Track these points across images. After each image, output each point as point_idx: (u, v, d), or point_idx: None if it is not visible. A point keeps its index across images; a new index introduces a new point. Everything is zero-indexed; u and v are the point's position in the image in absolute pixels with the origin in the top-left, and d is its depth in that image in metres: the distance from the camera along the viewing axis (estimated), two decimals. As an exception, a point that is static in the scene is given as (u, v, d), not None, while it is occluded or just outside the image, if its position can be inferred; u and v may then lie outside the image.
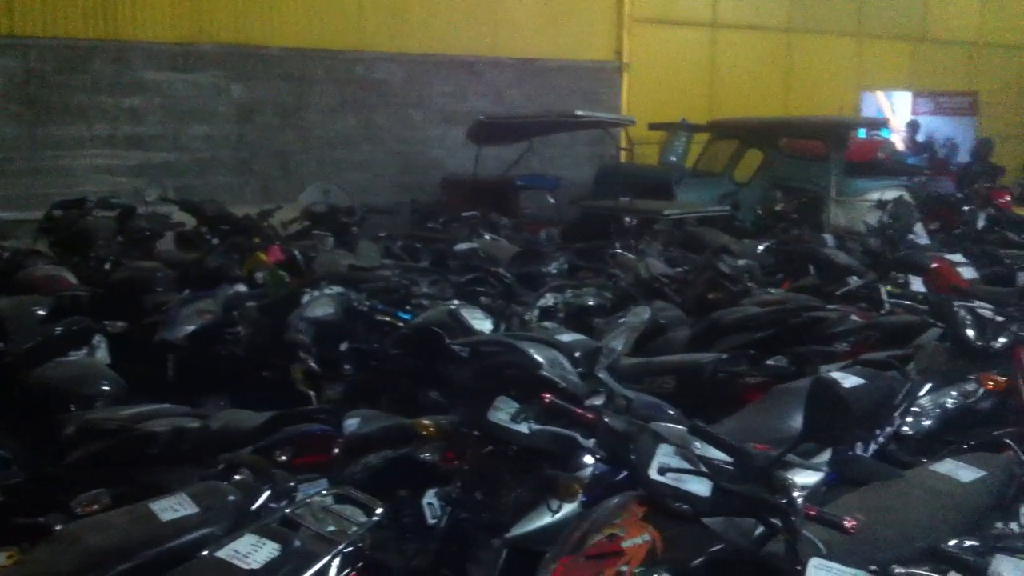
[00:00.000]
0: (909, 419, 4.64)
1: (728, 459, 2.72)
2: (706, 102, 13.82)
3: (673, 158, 12.53)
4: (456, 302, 5.04)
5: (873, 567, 2.27)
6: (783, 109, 14.11)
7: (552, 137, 12.49)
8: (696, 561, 2.77)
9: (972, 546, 2.29)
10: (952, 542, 2.40)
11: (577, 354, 3.37)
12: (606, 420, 2.92)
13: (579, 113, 10.44)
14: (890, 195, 9.93)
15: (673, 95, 13.44)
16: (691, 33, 13.92)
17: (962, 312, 4.90)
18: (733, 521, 2.82)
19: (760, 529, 2.70)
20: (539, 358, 3.24)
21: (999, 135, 15.30)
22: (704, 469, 2.72)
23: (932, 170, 13.59)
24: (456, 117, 12.19)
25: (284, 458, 3.42)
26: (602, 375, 3.27)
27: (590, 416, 2.99)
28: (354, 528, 2.67)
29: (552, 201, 11.81)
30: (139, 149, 10.72)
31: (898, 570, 2.24)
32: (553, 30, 12.91)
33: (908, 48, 16.07)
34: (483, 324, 4.55)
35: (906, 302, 6.26)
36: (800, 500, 2.52)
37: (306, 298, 5.17)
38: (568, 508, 3.28)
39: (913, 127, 15.00)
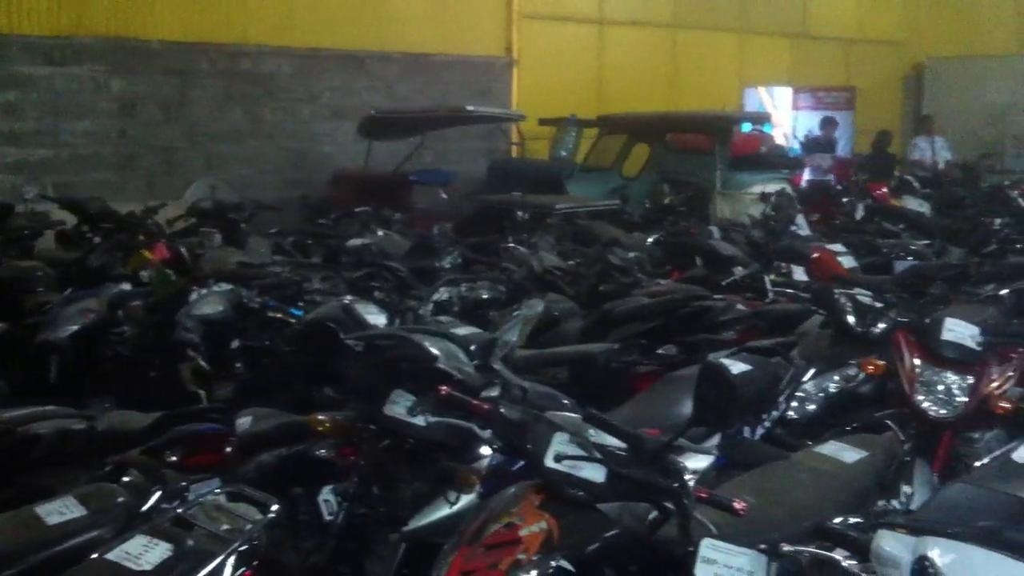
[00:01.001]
0: (795, 404, 4.79)
1: (622, 445, 2.77)
2: (595, 97, 13.99)
3: (563, 153, 12.64)
4: (349, 297, 5.01)
5: (763, 546, 2.33)
6: (670, 104, 14.37)
7: (444, 132, 12.48)
8: (592, 546, 2.81)
9: (856, 523, 2.38)
10: (837, 520, 2.49)
11: (472, 346, 3.38)
12: (502, 410, 2.94)
13: (469, 108, 10.47)
14: (772, 188, 10.20)
15: (563, 90, 13.56)
16: (579, 29, 14.08)
17: (843, 299, 5.07)
18: (628, 506, 2.87)
19: (654, 513, 2.75)
20: (434, 350, 3.24)
21: (876, 130, 15.87)
22: (599, 456, 2.76)
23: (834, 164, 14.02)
24: (346, 112, 12.08)
25: (175, 458, 3.34)
26: (497, 366, 3.29)
27: (486, 407, 3.01)
28: (249, 526, 2.62)
29: (445, 196, 11.80)
30: (15, 146, 10.35)
31: (786, 548, 2.31)
32: (442, 25, 12.91)
33: (788, 44, 16.55)
34: (377, 319, 4.53)
35: (789, 291, 6.46)
36: (691, 483, 2.59)
37: (194, 296, 5.06)
38: (466, 499, 3.30)
39: (829, 123, 15.36)
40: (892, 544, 2.16)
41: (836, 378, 4.90)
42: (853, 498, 3.22)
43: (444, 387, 3.06)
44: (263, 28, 11.74)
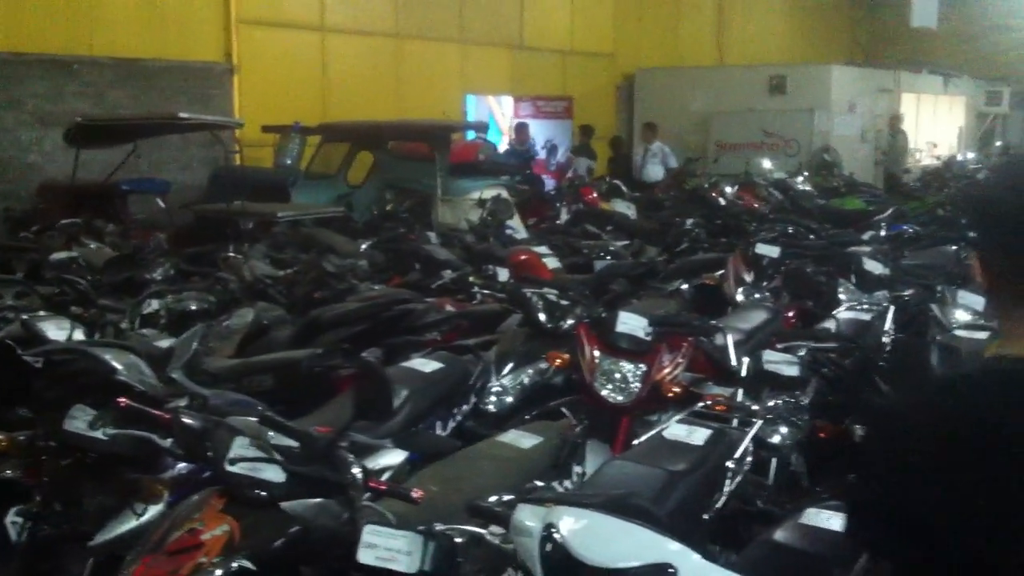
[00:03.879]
0: (492, 397, 5.09)
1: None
2: (320, 105, 13.98)
3: (288, 160, 12.58)
4: (43, 313, 4.86)
5: (421, 527, 2.53)
6: (396, 112, 14.56)
7: (163, 140, 12.10)
8: (276, 544, 2.93)
9: (505, 500, 2.61)
10: (492, 498, 2.72)
11: (154, 357, 3.41)
12: (181, 419, 3.00)
13: (182, 115, 10.21)
14: (489, 193, 10.61)
15: (286, 98, 13.47)
16: (300, 36, 14.01)
17: (534, 298, 5.42)
18: (324, 503, 3.01)
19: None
20: (114, 363, 3.25)
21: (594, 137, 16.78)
22: (277, 456, 2.88)
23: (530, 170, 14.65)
24: (53, 119, 11.48)
25: None
26: (176, 376, 3.34)
27: (166, 416, 3.06)
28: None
29: (163, 205, 11.48)
30: None
31: (439, 527, 2.51)
32: (157, 29, 12.51)
33: (508, 55, 17.13)
34: (60, 334, 4.42)
35: (497, 293, 6.80)
36: (361, 476, 2.75)
37: None
38: (154, 510, 3.32)
39: (521, 129, 15.99)
40: (527, 516, 2.41)
41: (530, 372, 5.24)
42: (527, 480, 3.50)
43: (123, 399, 3.08)
44: (-43, 30, 11.00)
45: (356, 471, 2.71)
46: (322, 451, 2.75)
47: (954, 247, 8.04)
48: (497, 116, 16.99)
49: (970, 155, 20.05)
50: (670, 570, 2.19)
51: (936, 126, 21.52)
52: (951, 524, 1.36)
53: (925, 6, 17.97)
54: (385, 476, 3.60)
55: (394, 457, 3.79)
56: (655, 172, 15.44)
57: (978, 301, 5.59)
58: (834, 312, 5.72)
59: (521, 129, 15.48)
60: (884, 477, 1.57)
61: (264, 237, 9.05)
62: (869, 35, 27.01)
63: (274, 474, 2.87)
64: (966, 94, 22.66)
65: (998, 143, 22.81)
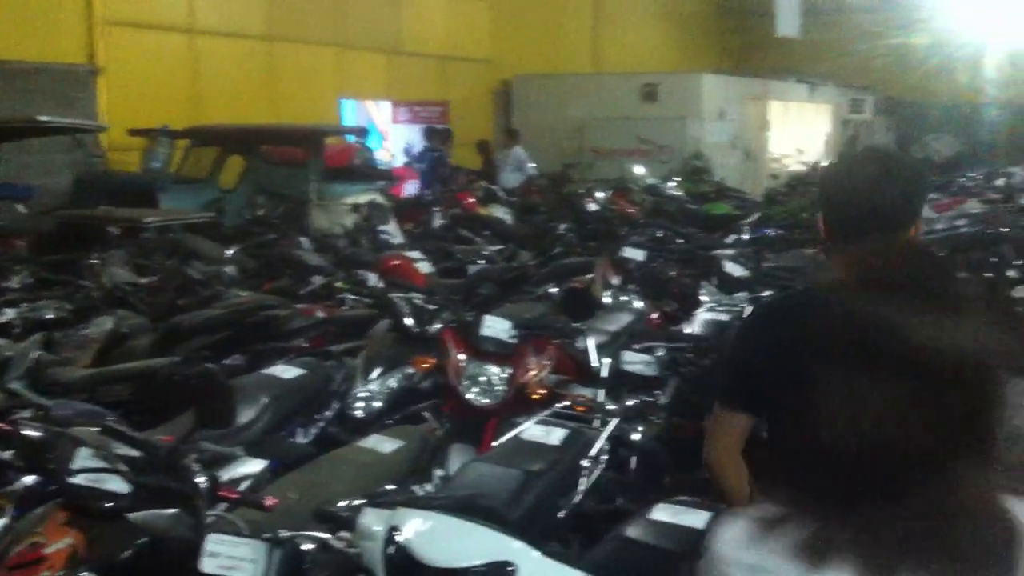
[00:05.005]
0: (361, 403, 5.07)
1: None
2: (190, 108, 13.64)
3: (156, 164, 12.22)
4: None
5: (266, 535, 2.51)
6: (269, 116, 14.33)
7: (24, 144, 11.63)
8: (122, 556, 2.87)
9: (353, 505, 2.61)
10: (342, 503, 2.72)
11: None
12: (22, 431, 2.91)
13: (41, 119, 9.87)
14: (364, 198, 10.55)
15: (155, 101, 13.11)
16: (168, 38, 13.67)
17: (401, 303, 5.42)
18: (175, 514, 2.95)
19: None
20: (-50, 375, 3.14)
21: (472, 142, 16.81)
22: (121, 467, 2.82)
23: (407, 174, 14.62)
24: (-97, 123, 10.95)
25: None
26: (15, 386, 3.24)
27: (7, 428, 2.97)
28: None
29: (24, 211, 11.05)
30: None
31: (285, 534, 2.50)
32: (16, 30, 12.04)
33: (385, 59, 17.05)
34: None
35: (365, 298, 6.77)
36: (207, 485, 2.72)
37: None
38: (-4, 524, 3.21)
39: (430, 133, 15.88)
40: (372, 519, 2.42)
41: (397, 376, 5.23)
42: (387, 484, 3.50)
43: (-42, 411, 2.98)
44: None
45: (201, 480, 2.67)
46: (164, 460, 2.71)
47: (814, 250, 8.34)
48: (377, 121, 16.89)
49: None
50: (509, 568, 2.23)
51: (803, 132, 22.26)
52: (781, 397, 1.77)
53: (789, 16, 18.58)
54: (244, 485, 3.56)
55: (253, 466, 3.75)
56: (512, 179, 15.43)
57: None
58: (694, 313, 5.87)
59: (436, 133, 15.43)
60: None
61: (129, 243, 8.81)
62: (738, 44, 27.78)
63: (118, 485, 2.82)
64: (831, 102, 23.50)
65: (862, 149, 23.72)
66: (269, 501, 2.82)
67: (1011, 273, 7.95)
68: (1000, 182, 16.08)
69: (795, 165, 20.16)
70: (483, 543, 2.32)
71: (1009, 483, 1.44)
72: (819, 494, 1.37)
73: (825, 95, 23.16)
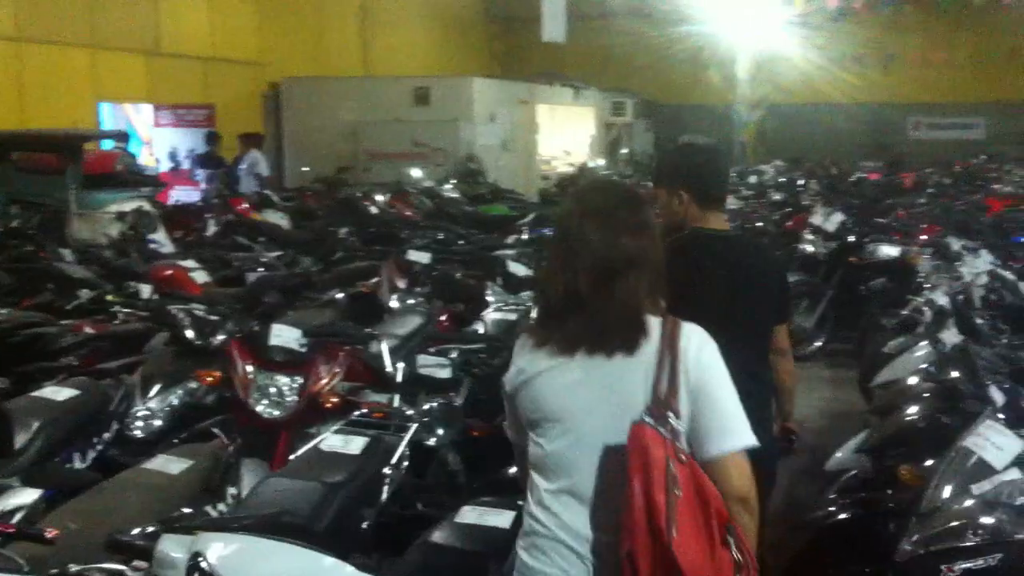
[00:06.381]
0: (140, 423, 4.80)
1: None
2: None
3: None
4: None
5: (53, 571, 2.32)
6: (18, 122, 13.37)
7: None
8: None
9: (148, 532, 2.45)
10: (135, 531, 2.54)
11: None
12: None
13: None
14: (130, 206, 10.02)
15: None
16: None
17: (180, 315, 5.17)
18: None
19: None
20: None
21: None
22: None
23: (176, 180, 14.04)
24: None
25: None
26: None
27: None
28: None
29: None
30: None
31: (73, 568, 2.32)
32: None
33: (144, 61, 16.26)
34: None
35: (139, 311, 6.41)
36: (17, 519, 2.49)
37: None
38: None
39: (212, 138, 15.21)
40: (171, 546, 2.28)
41: (180, 392, 5.00)
42: (178, 507, 3.32)
43: None
44: None
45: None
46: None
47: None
48: (137, 125, 16.09)
49: (600, 161, 21.52)
50: (325, 585, 2.15)
51: (569, 135, 22.94)
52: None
53: (555, 22, 19.05)
54: (17, 517, 3.30)
55: (26, 496, 3.49)
56: (247, 184, 14.99)
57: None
58: (483, 314, 5.91)
59: (215, 137, 14.82)
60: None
61: None
62: (506, 49, 28.34)
63: None
64: (595, 105, 24.31)
65: (624, 150, 24.69)
66: (51, 533, 2.62)
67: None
68: (753, 179, 17.15)
69: (563, 166, 20.74)
70: (294, 562, 2.23)
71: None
72: None
73: (589, 99, 23.94)
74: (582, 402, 2.39)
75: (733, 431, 2.38)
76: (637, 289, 2.40)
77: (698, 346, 2.41)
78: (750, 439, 2.39)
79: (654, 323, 2.40)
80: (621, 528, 2.23)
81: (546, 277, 2.52)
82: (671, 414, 2.30)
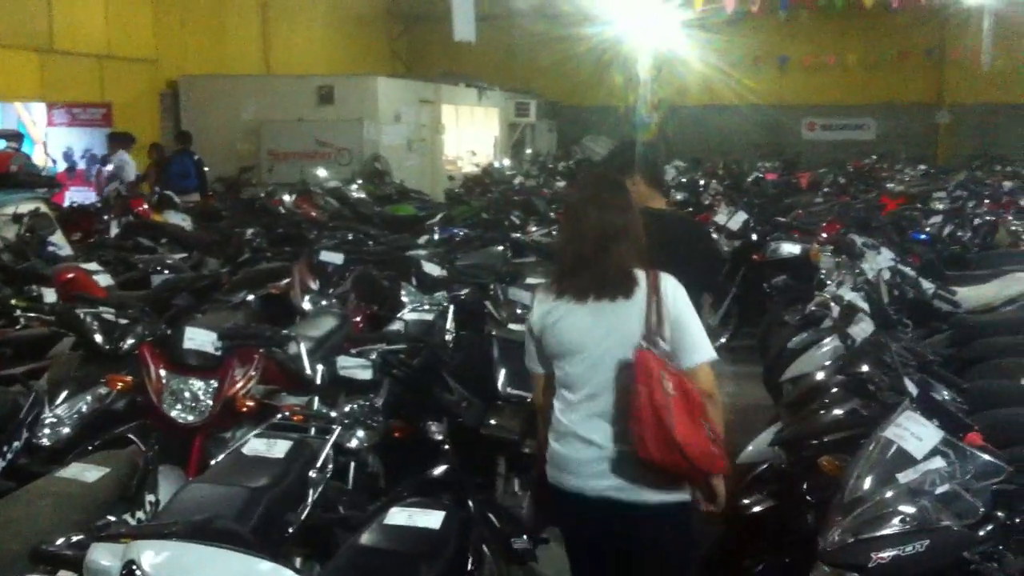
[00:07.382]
0: (47, 430, 4.65)
1: None
2: None
3: None
4: None
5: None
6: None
7: None
8: None
9: (75, 541, 2.38)
10: (60, 540, 2.46)
11: None
12: None
13: None
14: (26, 208, 9.70)
15: None
16: None
17: (88, 319, 5.03)
18: None
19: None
20: None
21: (144, 145, 15.87)
22: None
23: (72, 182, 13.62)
24: None
25: None
26: None
27: None
28: None
29: None
30: None
31: (-2, 581, 2.24)
32: None
33: (36, 58, 15.72)
34: None
35: (44, 315, 6.21)
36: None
37: None
38: None
39: (124, 139, 14.72)
40: (102, 555, 2.22)
41: (89, 399, 4.85)
42: (96, 516, 3.23)
43: None
44: None
45: None
46: None
47: (500, 247, 8.62)
48: (29, 125, 15.55)
49: (506, 162, 21.60)
50: (266, 590, 2.12)
51: (474, 135, 22.96)
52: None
53: (465, 22, 19.04)
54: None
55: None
56: (112, 186, 14.57)
57: (526, 296, 6.02)
58: (399, 314, 5.88)
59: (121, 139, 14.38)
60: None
61: None
62: (409, 48, 28.21)
63: None
64: (499, 106, 24.37)
65: (528, 150, 24.82)
66: (-35, 547, 2.52)
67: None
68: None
69: (469, 167, 20.74)
70: (232, 568, 2.19)
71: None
72: None
73: (493, 99, 23.99)
74: (595, 335, 3.33)
75: (701, 348, 3.38)
76: (627, 251, 3.34)
77: (673, 290, 3.37)
78: (712, 353, 3.41)
79: (641, 275, 3.35)
80: (630, 420, 3.20)
81: (560, 246, 3.60)
82: (660, 339, 3.28)
